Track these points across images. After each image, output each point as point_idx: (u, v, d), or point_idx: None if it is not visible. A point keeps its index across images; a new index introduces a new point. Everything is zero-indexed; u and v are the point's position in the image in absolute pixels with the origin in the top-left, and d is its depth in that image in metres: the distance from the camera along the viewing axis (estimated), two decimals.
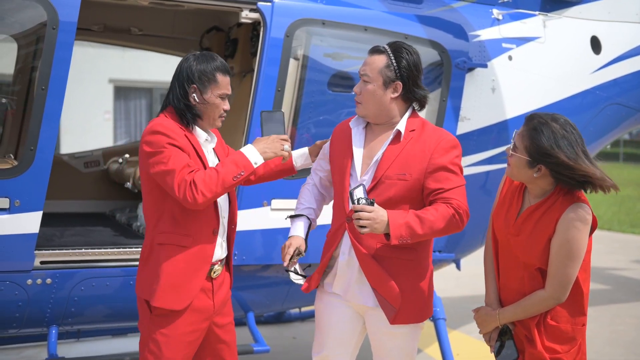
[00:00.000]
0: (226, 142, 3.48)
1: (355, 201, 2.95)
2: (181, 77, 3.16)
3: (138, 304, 3.23)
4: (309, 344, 3.31)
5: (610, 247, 11.29)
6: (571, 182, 2.94)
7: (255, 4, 4.42)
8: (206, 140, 3.23)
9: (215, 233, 3.19)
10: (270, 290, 4.78)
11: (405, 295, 3.13)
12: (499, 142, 5.14)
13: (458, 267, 5.40)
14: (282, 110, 4.28)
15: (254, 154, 3.12)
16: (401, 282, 3.13)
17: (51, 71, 3.94)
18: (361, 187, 2.99)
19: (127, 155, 5.91)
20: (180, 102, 3.15)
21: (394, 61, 3.11)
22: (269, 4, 4.42)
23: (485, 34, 5.02)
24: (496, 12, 5.15)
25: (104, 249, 4.32)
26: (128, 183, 5.33)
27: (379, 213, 2.94)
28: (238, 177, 3.05)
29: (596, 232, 3.08)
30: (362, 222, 2.92)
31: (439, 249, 5.06)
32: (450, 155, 3.12)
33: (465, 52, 4.88)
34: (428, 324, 4.81)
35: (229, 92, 3.22)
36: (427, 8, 4.92)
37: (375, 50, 3.19)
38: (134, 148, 6.31)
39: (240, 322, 4.68)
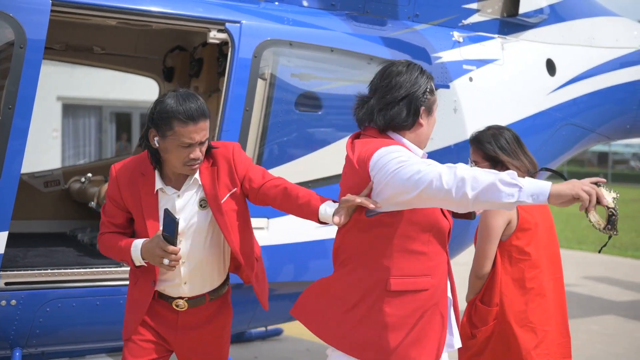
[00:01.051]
0: None
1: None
2: (149, 116, 2.91)
3: None
4: None
5: None
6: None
7: (223, 24, 4.45)
8: (161, 190, 2.99)
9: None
10: (236, 310, 4.76)
11: None
12: (459, 160, 5.21)
13: None
14: (250, 134, 4.30)
15: (139, 252, 2.95)
16: None
17: (18, 90, 3.90)
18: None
19: (89, 175, 5.84)
20: (142, 143, 2.95)
21: None
22: (237, 24, 4.46)
23: (447, 55, 5.14)
24: (457, 35, 5.28)
25: (70, 269, 4.26)
26: (92, 202, 5.27)
27: None
28: (121, 263, 3.07)
29: None
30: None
31: None
32: None
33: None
34: None
35: (194, 140, 2.86)
36: (391, 30, 5.02)
37: None
38: (96, 167, 6.25)
39: None
